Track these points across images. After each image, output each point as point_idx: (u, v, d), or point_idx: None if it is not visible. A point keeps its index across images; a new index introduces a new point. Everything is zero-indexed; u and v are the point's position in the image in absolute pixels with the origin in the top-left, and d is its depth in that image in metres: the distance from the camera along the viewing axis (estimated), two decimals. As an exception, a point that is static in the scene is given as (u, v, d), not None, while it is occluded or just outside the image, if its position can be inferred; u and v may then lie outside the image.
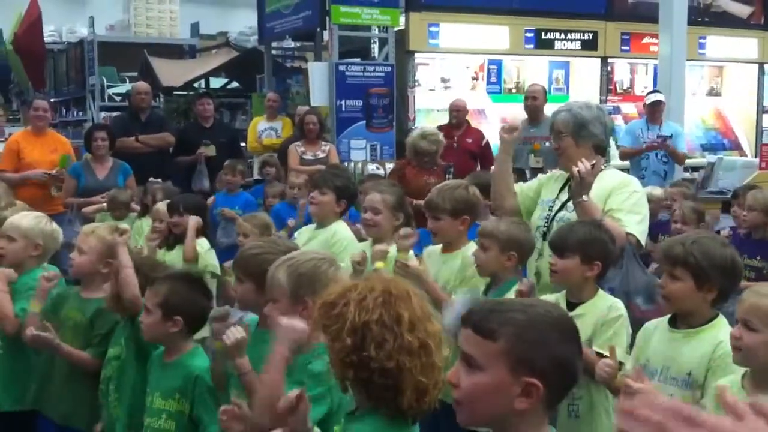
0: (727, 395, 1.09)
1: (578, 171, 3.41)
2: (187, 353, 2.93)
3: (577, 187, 3.45)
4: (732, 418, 1.04)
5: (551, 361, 1.59)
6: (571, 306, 3.01)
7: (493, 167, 4.06)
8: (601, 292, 3.09)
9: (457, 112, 7.99)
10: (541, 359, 1.58)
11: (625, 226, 3.44)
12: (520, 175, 6.56)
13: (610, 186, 3.59)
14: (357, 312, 1.84)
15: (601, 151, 3.73)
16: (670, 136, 7.88)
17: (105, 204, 6.23)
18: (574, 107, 3.79)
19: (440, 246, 3.72)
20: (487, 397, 1.58)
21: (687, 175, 8.99)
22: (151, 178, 6.51)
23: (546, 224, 3.64)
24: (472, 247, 3.55)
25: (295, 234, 4.36)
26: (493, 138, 8.31)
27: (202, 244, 4.73)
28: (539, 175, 4.00)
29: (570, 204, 3.56)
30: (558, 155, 3.79)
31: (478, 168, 7.58)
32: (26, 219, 3.79)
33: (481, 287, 3.47)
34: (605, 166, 3.73)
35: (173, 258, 4.63)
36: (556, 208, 3.67)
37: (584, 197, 3.44)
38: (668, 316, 2.81)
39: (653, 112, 8.01)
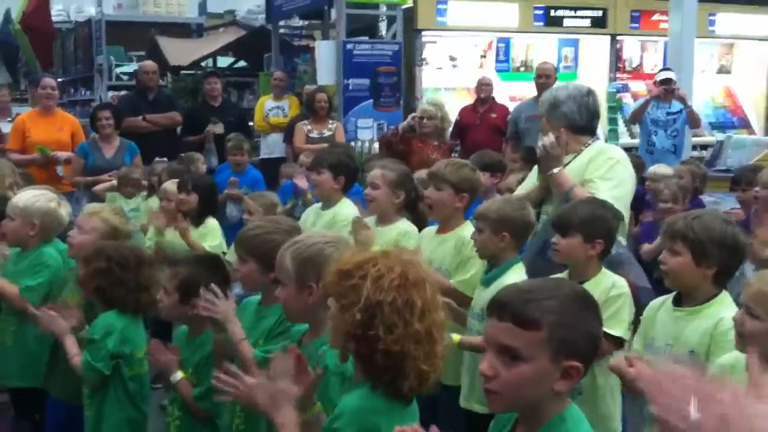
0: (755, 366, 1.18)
1: (542, 144, 3.57)
2: (207, 331, 2.91)
3: (544, 160, 3.60)
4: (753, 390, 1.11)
5: (587, 340, 1.66)
6: (574, 285, 3.01)
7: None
8: (604, 270, 3.09)
9: (485, 86, 8.13)
10: (580, 339, 1.64)
11: (595, 192, 3.46)
12: (531, 153, 6.54)
13: (588, 157, 3.65)
14: (373, 289, 1.84)
15: (579, 129, 3.72)
16: (680, 112, 7.85)
17: (115, 182, 6.25)
18: (555, 88, 3.91)
19: (435, 228, 3.72)
20: (530, 385, 1.62)
21: (696, 153, 8.96)
22: (157, 158, 6.52)
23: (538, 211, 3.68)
24: (467, 226, 3.56)
25: (303, 215, 4.37)
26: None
27: (210, 226, 4.71)
28: (535, 166, 3.99)
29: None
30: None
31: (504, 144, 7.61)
32: (24, 197, 3.75)
33: (474, 270, 3.47)
34: (592, 141, 3.75)
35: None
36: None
37: (554, 170, 3.56)
38: (673, 294, 2.80)
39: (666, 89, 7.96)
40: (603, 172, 3.57)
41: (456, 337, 3.09)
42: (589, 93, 3.83)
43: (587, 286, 2.97)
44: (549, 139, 3.56)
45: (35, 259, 3.67)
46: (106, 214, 3.52)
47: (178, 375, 2.86)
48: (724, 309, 2.64)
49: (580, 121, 3.73)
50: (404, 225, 3.88)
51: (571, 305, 1.66)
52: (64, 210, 3.78)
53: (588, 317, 1.67)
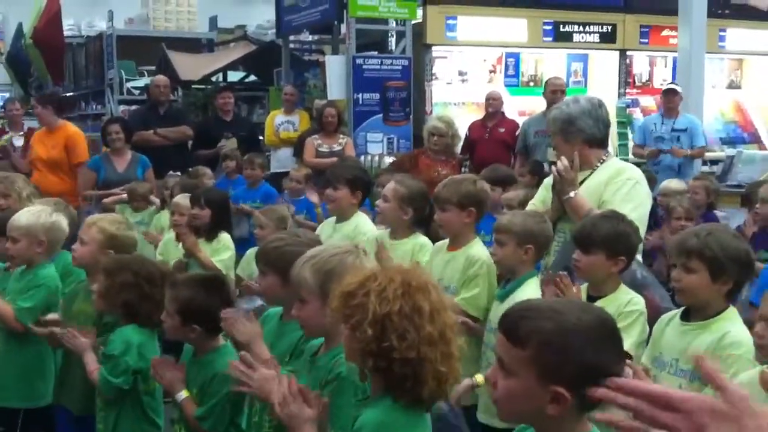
0: (705, 363, 1.14)
1: (556, 169, 3.54)
2: (212, 352, 2.91)
3: (560, 185, 3.58)
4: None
5: (581, 369, 1.54)
6: (591, 299, 3.01)
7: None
8: (622, 286, 3.09)
9: (493, 101, 8.13)
10: (569, 368, 1.54)
11: None
12: (537, 167, 6.55)
13: (606, 176, 3.64)
14: (378, 303, 1.86)
15: (596, 143, 3.73)
16: (686, 130, 7.85)
17: (124, 195, 6.29)
18: (563, 103, 3.87)
19: (447, 242, 3.70)
20: (519, 400, 1.60)
21: (706, 168, 8.93)
22: (170, 172, 6.55)
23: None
24: (477, 243, 3.57)
25: (318, 229, 4.38)
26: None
27: (223, 241, 4.73)
28: (544, 182, 3.98)
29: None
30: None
31: (513, 159, 7.63)
32: (25, 216, 3.69)
33: (478, 289, 3.46)
34: (606, 157, 3.75)
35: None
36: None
37: (571, 194, 3.54)
38: (681, 309, 2.79)
39: (667, 102, 8.00)
40: (623, 194, 3.56)
41: (479, 378, 3.09)
42: (601, 104, 3.83)
43: (604, 301, 3.00)
44: (562, 163, 3.55)
45: (29, 282, 3.65)
46: (103, 224, 3.52)
47: (182, 394, 2.86)
48: (730, 324, 2.65)
49: (598, 134, 3.74)
50: (419, 239, 3.89)
51: (568, 332, 1.56)
52: (64, 220, 3.80)
53: (589, 348, 1.55)
